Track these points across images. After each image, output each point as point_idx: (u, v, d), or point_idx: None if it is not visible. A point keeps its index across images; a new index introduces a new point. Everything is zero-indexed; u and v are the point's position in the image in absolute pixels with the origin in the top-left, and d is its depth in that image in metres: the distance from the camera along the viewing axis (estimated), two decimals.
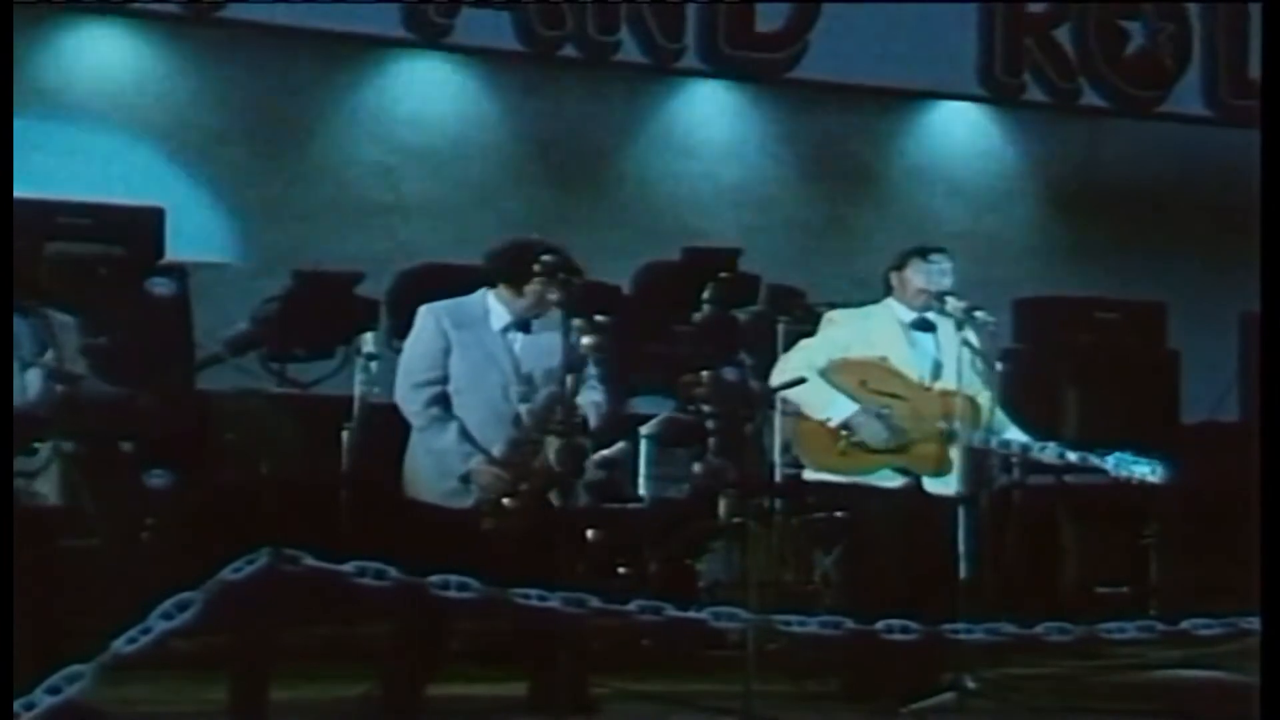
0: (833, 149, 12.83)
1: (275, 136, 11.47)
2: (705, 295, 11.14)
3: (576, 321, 7.14)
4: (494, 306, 7.42)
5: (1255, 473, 10.96)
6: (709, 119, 12.46)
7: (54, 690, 5.60)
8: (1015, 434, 7.97)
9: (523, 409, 7.27)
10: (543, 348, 7.30)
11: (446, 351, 7.35)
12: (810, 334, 8.16)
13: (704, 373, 9.83)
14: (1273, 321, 6.24)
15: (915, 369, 7.89)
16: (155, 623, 5.60)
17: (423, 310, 7.49)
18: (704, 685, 7.98)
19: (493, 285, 7.43)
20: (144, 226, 10.01)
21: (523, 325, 7.38)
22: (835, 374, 7.84)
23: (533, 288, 7.30)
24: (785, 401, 8.13)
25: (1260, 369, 6.20)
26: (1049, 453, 7.97)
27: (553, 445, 7.17)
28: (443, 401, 7.32)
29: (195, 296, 9.64)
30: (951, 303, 7.90)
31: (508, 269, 7.37)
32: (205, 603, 5.62)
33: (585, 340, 7.15)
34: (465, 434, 7.26)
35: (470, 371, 7.33)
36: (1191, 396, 11.99)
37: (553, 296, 7.24)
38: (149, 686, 7.31)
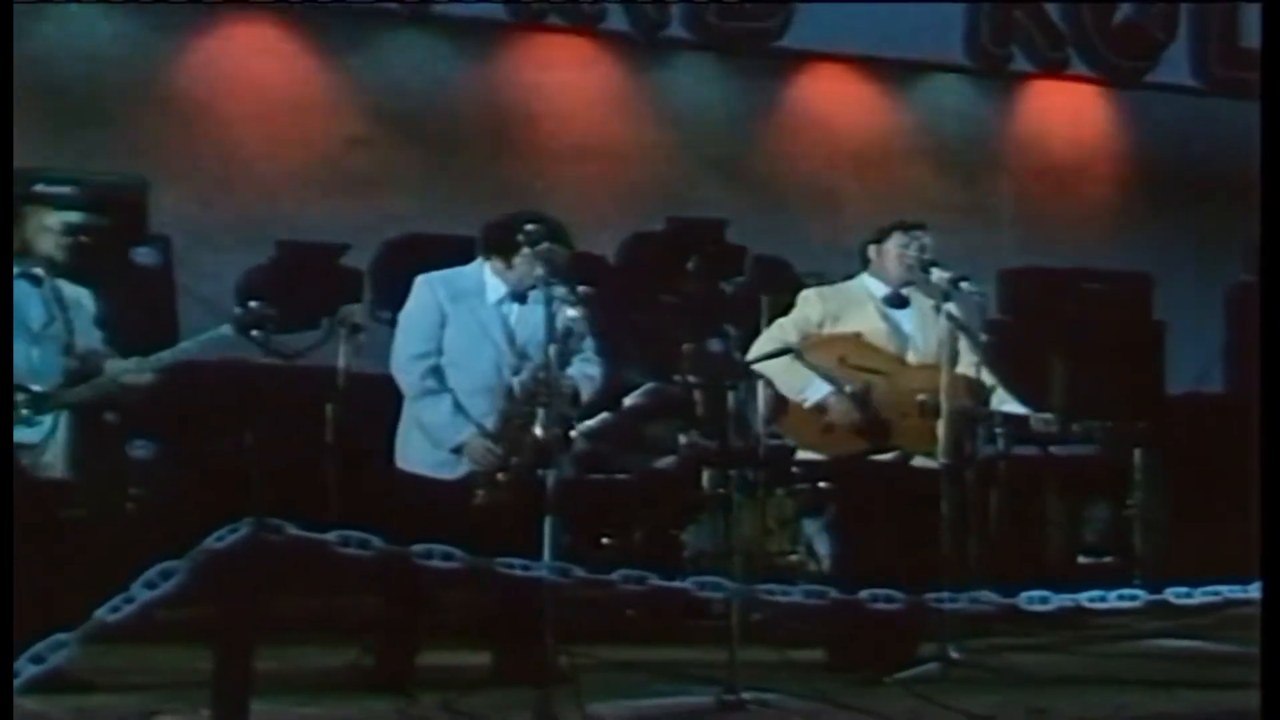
0: (819, 119, 12.82)
1: None
2: (690, 267, 11.15)
3: (562, 292, 7.13)
4: (489, 279, 7.43)
5: (1239, 443, 11.06)
6: (693, 88, 12.43)
7: (38, 659, 5.60)
8: (1000, 404, 7.96)
9: (515, 381, 7.27)
10: (537, 321, 7.28)
11: (442, 324, 7.35)
12: (792, 305, 8.16)
13: (688, 344, 9.85)
14: (1272, 302, 6.24)
15: (892, 344, 7.89)
16: (139, 591, 5.60)
17: (419, 281, 7.49)
18: (689, 655, 8.00)
19: (489, 257, 7.43)
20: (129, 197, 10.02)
21: (518, 297, 7.38)
22: (812, 351, 7.84)
23: (522, 259, 7.29)
24: (766, 382, 8.12)
25: (1261, 350, 6.20)
26: (1035, 421, 7.98)
27: (541, 418, 7.15)
28: (438, 373, 7.32)
29: None
30: (937, 274, 7.89)
31: (501, 241, 7.36)
32: (189, 572, 5.62)
33: (572, 312, 7.15)
34: (459, 406, 7.26)
35: (464, 344, 7.33)
36: (1177, 367, 12.03)
37: (542, 269, 7.23)
38: (134, 655, 7.35)
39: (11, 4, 7.68)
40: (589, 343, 7.41)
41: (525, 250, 7.24)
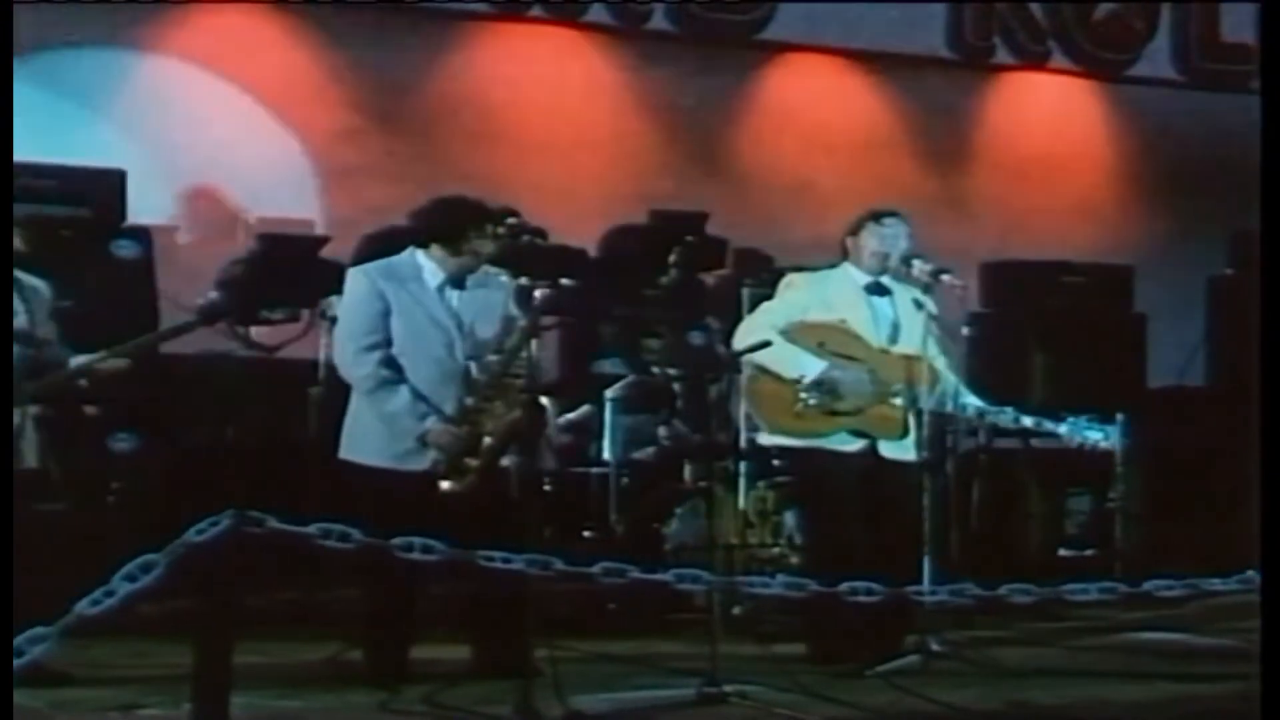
0: (801, 112, 12.81)
1: None
2: (672, 259, 11.14)
3: (523, 279, 7.12)
4: (426, 264, 7.37)
5: (1221, 436, 11.08)
6: (676, 80, 12.42)
7: (17, 653, 5.58)
8: (973, 399, 7.97)
9: (472, 366, 7.25)
10: (480, 303, 7.29)
11: (386, 313, 7.30)
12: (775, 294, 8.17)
13: (670, 336, 9.84)
14: (1273, 301, 6.24)
15: (873, 332, 7.90)
16: (119, 584, 5.58)
17: (353, 272, 7.45)
18: (670, 648, 8.01)
19: (423, 244, 7.39)
20: (107, 189, 9.99)
21: (457, 282, 7.35)
22: (794, 336, 7.85)
23: (469, 245, 7.27)
24: (750, 362, 8.10)
25: (1260, 348, 6.21)
26: (1005, 417, 8.00)
27: (512, 402, 7.14)
28: (392, 363, 7.27)
29: None
30: (918, 266, 7.90)
31: (440, 227, 7.34)
32: (169, 565, 5.61)
33: (537, 294, 7.08)
34: (418, 394, 7.23)
35: (413, 332, 7.28)
36: (1159, 360, 12.03)
37: (487, 252, 7.22)
38: (114, 649, 7.33)
39: (11, 4, 7.64)
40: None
41: (471, 235, 7.23)
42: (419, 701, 6.82)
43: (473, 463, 7.13)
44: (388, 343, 7.28)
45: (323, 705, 6.84)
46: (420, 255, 7.39)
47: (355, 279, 7.39)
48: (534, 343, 7.12)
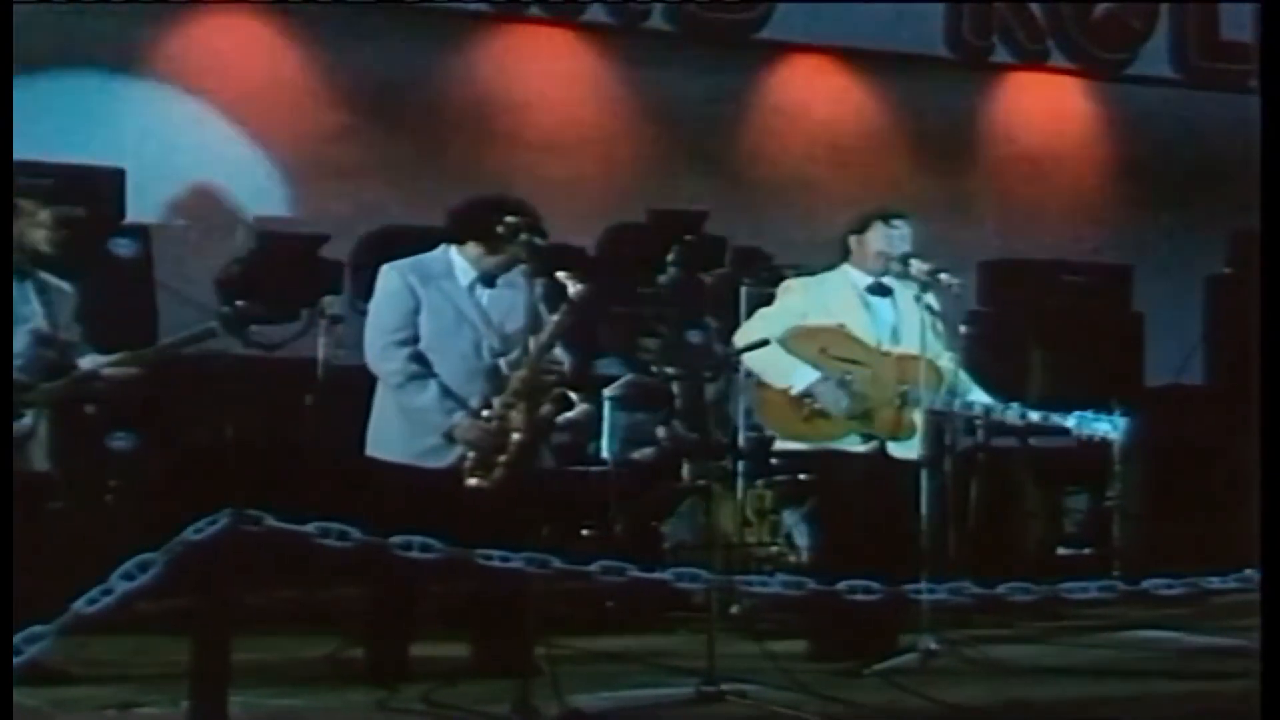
0: (800, 111, 12.81)
1: None
2: (670, 258, 11.15)
3: (559, 276, 7.09)
4: (458, 262, 7.39)
5: (1219, 435, 11.09)
6: (674, 80, 12.42)
7: (16, 651, 5.58)
8: (977, 396, 7.98)
9: (501, 363, 7.25)
10: (509, 301, 7.28)
11: (416, 309, 7.32)
12: (774, 296, 8.17)
13: (668, 335, 9.84)
14: (1273, 300, 6.25)
15: (873, 334, 7.90)
16: (116, 583, 5.59)
17: (386, 269, 7.45)
18: (669, 646, 8.01)
19: (458, 242, 7.39)
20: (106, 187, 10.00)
21: (488, 281, 7.36)
22: (794, 342, 7.86)
23: (506, 245, 7.26)
24: (749, 370, 8.11)
25: (1260, 347, 6.22)
26: (1011, 414, 7.99)
27: (540, 400, 7.14)
28: (420, 359, 7.28)
29: None
30: (916, 265, 7.90)
31: (478, 226, 7.33)
32: (167, 563, 5.61)
33: (573, 291, 7.06)
34: (446, 390, 7.23)
35: (441, 329, 7.30)
36: (1157, 359, 12.04)
37: (524, 254, 7.23)
38: (112, 647, 7.33)
39: (11, 4, 7.64)
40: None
41: (508, 236, 7.21)
42: (417, 700, 6.82)
43: (501, 459, 7.12)
44: (416, 339, 7.30)
45: (321, 704, 6.84)
46: (454, 252, 7.40)
47: (387, 275, 7.41)
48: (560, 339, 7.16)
